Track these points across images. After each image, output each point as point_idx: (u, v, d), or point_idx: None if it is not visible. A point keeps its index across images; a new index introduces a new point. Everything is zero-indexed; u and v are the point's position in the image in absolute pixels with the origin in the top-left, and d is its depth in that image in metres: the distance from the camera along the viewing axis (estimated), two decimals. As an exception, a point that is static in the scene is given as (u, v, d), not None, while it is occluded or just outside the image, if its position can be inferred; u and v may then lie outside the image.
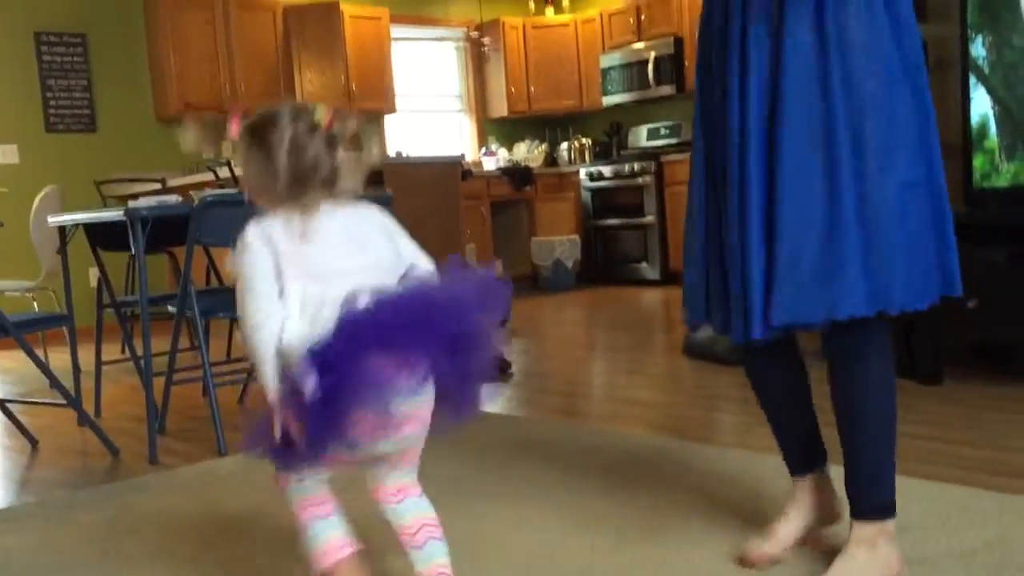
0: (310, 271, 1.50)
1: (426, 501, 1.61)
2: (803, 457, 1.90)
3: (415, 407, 1.48)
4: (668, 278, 7.45)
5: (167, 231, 3.13)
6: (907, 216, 1.60)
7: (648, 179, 7.49)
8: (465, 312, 1.50)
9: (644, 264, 7.59)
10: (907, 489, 2.10)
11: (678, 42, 7.68)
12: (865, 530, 1.70)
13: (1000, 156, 3.24)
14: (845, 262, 1.58)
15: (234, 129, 1.55)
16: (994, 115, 3.25)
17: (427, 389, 1.49)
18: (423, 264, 1.60)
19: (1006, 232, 3.15)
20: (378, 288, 1.47)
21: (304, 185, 1.51)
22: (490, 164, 8.37)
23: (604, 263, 7.93)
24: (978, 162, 3.29)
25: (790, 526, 1.84)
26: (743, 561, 1.81)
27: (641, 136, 8.24)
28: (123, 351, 4.57)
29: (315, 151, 1.51)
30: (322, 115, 1.53)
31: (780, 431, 1.93)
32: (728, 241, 1.69)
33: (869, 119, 1.58)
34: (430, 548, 1.58)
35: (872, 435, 1.71)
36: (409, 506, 1.59)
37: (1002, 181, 3.25)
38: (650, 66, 7.79)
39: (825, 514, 1.88)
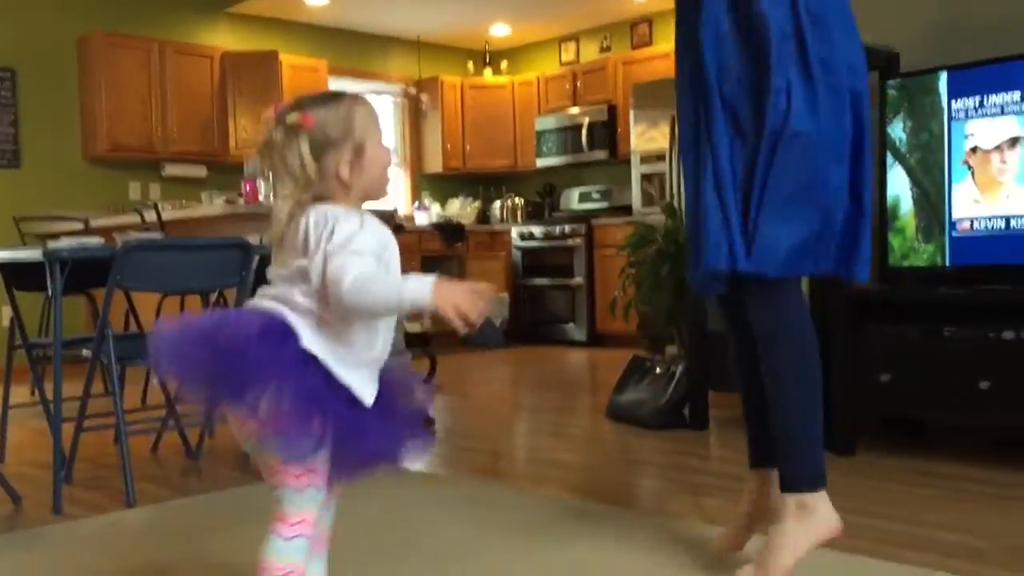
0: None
1: (290, 546, 1.55)
2: (756, 451, 2.14)
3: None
4: (595, 340, 7.51)
5: (87, 273, 3.05)
6: None
7: (578, 241, 7.58)
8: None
9: (571, 325, 7.64)
10: (816, 560, 2.14)
11: (612, 109, 7.85)
12: (790, 502, 1.93)
13: (917, 236, 3.36)
14: None
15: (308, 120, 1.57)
16: (912, 197, 3.37)
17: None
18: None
19: (919, 310, 3.26)
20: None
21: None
22: (422, 219, 8.39)
23: (532, 322, 7.96)
24: (896, 242, 3.40)
25: (740, 513, 2.13)
26: (718, 549, 2.15)
27: (573, 199, 8.36)
28: (32, 394, 4.42)
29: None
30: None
31: (749, 420, 2.17)
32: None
33: None
34: None
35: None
36: (267, 541, 1.58)
37: (918, 260, 3.37)
38: (584, 131, 7.93)
39: (764, 510, 2.10)
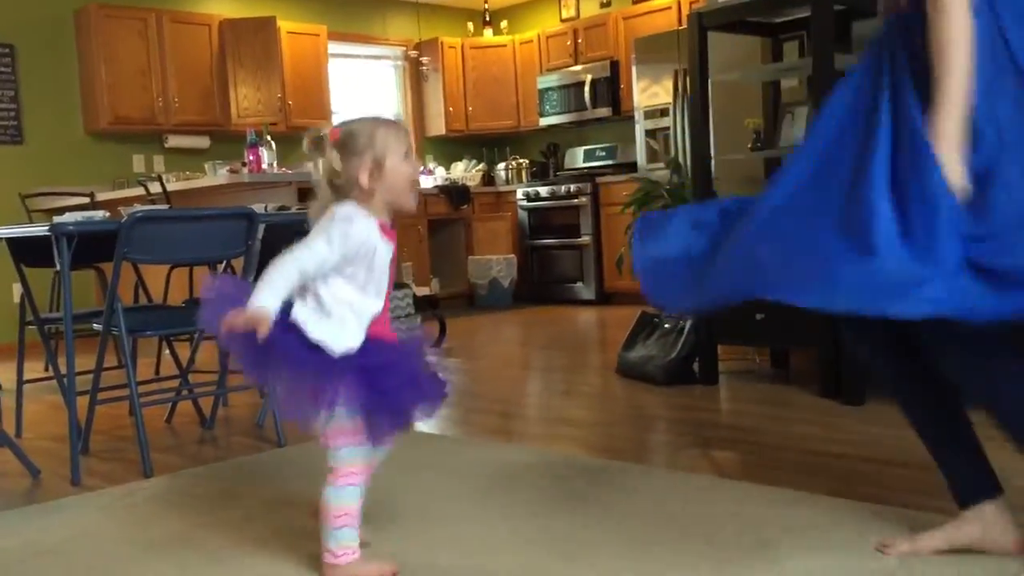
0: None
1: (344, 493, 1.85)
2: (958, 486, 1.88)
3: None
4: (603, 298, 7.52)
5: (95, 247, 3.06)
6: None
7: (584, 200, 7.56)
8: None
9: (579, 284, 7.65)
10: (827, 507, 2.16)
11: (614, 65, 7.79)
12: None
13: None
14: None
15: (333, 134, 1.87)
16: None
17: None
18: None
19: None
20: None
21: None
22: (427, 182, 8.37)
23: (540, 283, 7.97)
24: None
25: (934, 539, 1.85)
26: (882, 547, 1.89)
27: (578, 157, 8.32)
28: (46, 369, 4.46)
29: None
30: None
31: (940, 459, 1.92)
32: None
33: None
34: (322, 529, 1.87)
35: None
36: (325, 492, 1.87)
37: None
38: (586, 88, 7.88)
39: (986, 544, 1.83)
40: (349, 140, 1.85)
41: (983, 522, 1.82)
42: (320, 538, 1.89)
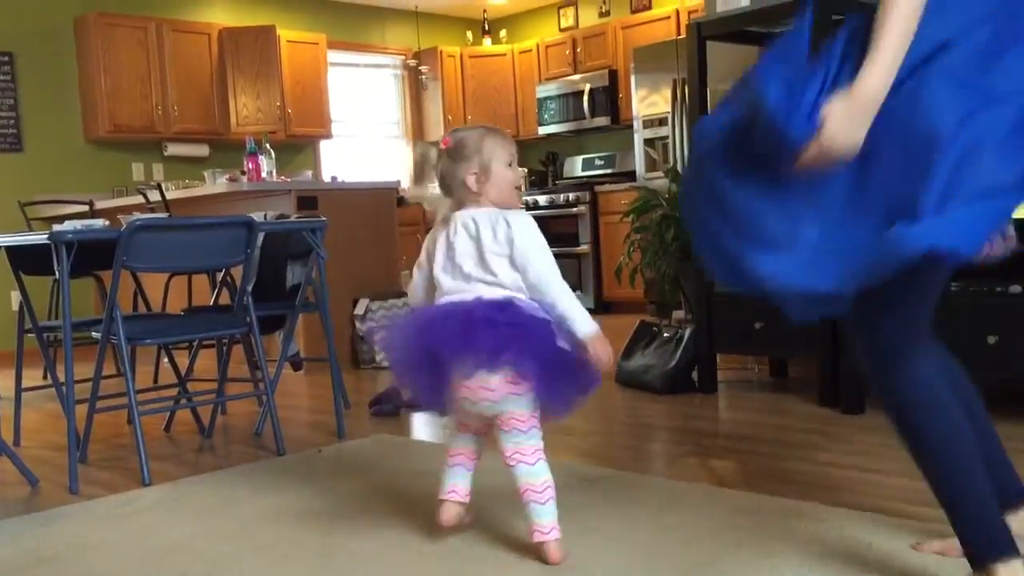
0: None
1: (539, 468, 1.99)
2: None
3: (484, 382, 1.92)
4: (602, 307, 7.52)
5: (94, 255, 3.06)
6: None
7: (583, 208, 7.57)
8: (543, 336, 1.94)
9: (578, 293, 7.62)
10: (826, 516, 2.16)
11: (613, 74, 7.81)
12: None
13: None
14: None
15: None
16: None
17: (497, 372, 1.91)
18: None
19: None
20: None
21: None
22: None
23: (539, 291, 7.95)
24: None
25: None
26: (916, 545, 1.94)
27: (576, 166, 8.33)
28: (45, 377, 4.45)
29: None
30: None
31: None
32: None
33: None
34: (530, 509, 1.98)
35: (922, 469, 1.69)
36: (520, 471, 1.99)
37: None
38: (585, 97, 7.89)
39: None
40: (459, 146, 2.05)
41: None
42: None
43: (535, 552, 1.99)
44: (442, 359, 1.93)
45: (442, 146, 2.07)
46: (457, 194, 2.08)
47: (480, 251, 2.01)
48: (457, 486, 2.12)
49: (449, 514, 2.11)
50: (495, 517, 2.29)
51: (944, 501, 1.67)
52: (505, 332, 1.90)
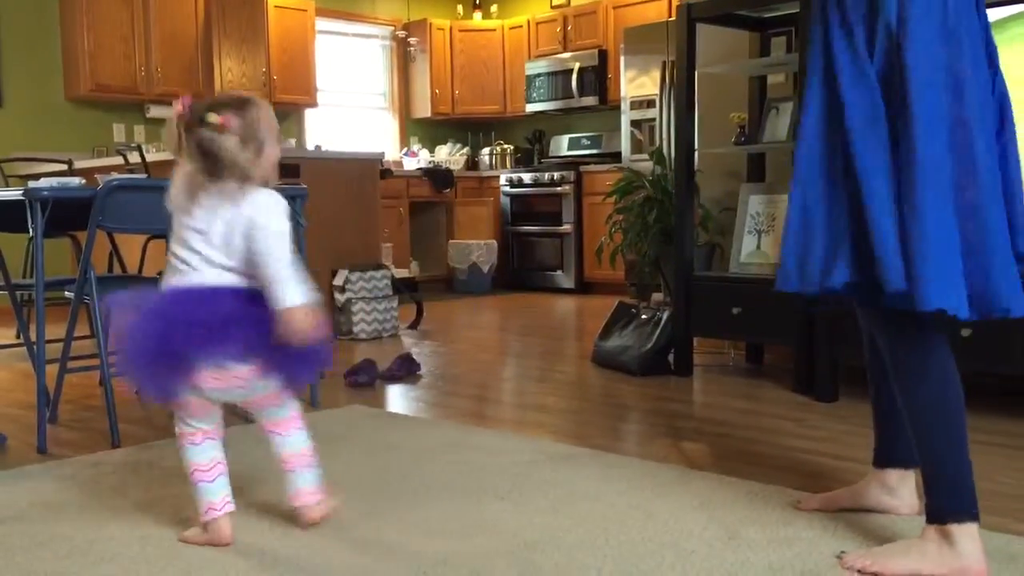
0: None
1: (304, 435, 2.06)
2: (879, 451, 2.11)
3: (235, 372, 1.91)
4: (582, 287, 7.52)
5: (71, 214, 3.02)
6: None
7: (568, 188, 7.55)
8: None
9: (559, 272, 7.65)
10: (792, 499, 2.17)
11: (603, 54, 7.77)
12: (928, 531, 1.79)
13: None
14: None
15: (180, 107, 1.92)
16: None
17: (245, 361, 1.90)
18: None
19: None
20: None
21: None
22: (411, 164, 8.34)
23: (520, 269, 7.96)
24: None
25: (841, 496, 2.12)
26: (798, 504, 2.16)
27: (562, 145, 8.31)
28: (17, 336, 4.41)
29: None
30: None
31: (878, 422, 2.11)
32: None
33: None
34: (297, 475, 2.04)
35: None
36: (287, 440, 2.05)
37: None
38: (574, 76, 7.86)
39: (863, 499, 2.10)
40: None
41: (883, 485, 2.08)
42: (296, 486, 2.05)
43: (296, 516, 2.07)
44: (189, 356, 1.88)
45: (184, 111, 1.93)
46: (204, 165, 1.96)
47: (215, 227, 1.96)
48: (229, 495, 2.02)
49: (229, 527, 2.01)
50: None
51: (931, 459, 1.79)
52: (258, 332, 1.90)
